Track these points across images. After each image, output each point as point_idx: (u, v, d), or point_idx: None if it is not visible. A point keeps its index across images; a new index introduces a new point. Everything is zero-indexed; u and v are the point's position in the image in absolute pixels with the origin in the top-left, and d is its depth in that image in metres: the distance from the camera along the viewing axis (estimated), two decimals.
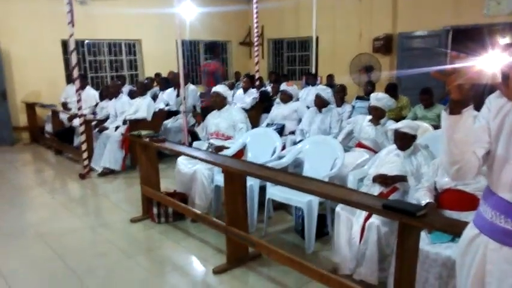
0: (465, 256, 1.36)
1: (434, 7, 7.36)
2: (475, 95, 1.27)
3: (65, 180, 5.48)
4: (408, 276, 2.00)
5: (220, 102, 4.32)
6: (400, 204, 2.03)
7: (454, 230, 1.84)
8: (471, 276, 1.31)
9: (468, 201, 2.42)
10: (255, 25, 7.16)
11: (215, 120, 4.32)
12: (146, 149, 3.92)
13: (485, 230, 1.29)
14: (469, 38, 7.10)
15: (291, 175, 2.75)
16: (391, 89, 5.66)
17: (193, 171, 3.95)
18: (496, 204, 1.25)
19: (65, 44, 8.05)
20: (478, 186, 2.42)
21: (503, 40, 6.63)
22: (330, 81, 7.85)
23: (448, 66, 1.16)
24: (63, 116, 6.87)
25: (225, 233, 3.04)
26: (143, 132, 3.96)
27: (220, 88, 4.43)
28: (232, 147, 4.06)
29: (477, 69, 1.11)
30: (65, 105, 7.08)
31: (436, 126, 4.37)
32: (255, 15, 7.20)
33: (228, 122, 4.23)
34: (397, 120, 3.88)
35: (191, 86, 6.60)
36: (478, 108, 1.38)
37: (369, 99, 5.67)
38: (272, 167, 3.10)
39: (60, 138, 6.70)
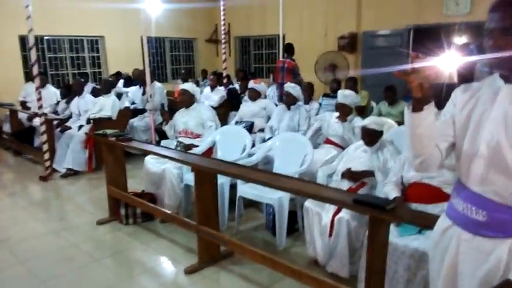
0: (438, 247, 1.40)
1: (397, 6, 7.56)
2: (434, 93, 1.34)
3: (26, 183, 5.25)
4: (379, 268, 2.04)
5: (188, 100, 4.26)
6: (370, 198, 2.07)
7: (422, 222, 1.90)
8: (444, 265, 1.35)
9: (433, 194, 2.51)
10: (222, 22, 7.11)
11: (183, 119, 4.25)
12: (112, 148, 3.81)
13: (457, 221, 1.33)
14: (429, 37, 7.35)
15: (263, 172, 2.75)
16: (351, 83, 5.80)
17: (162, 170, 3.88)
18: (467, 196, 1.30)
19: (22, 40, 7.71)
20: (443, 179, 2.51)
21: (460, 39, 6.89)
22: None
23: (409, 66, 1.22)
24: (23, 116, 6.57)
25: (196, 233, 3.01)
26: (108, 131, 3.84)
27: (188, 86, 4.37)
28: (202, 146, 4.01)
29: (435, 69, 1.18)
30: (23, 104, 6.77)
31: (400, 123, 4.50)
32: (222, 13, 7.15)
33: (197, 120, 4.17)
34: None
35: (157, 84, 6.48)
36: (438, 105, 1.44)
37: (335, 97, 5.79)
38: (243, 164, 3.09)
39: (19, 139, 6.40)
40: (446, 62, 1.16)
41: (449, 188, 2.48)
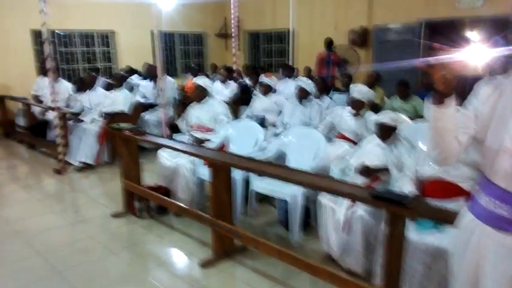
0: (460, 241, 1.41)
1: (409, 0, 7.49)
2: (457, 86, 1.34)
3: (41, 176, 5.32)
4: (396, 263, 2.05)
5: (201, 94, 4.28)
6: (387, 193, 2.07)
7: (441, 217, 1.91)
8: (467, 260, 1.36)
9: (449, 189, 2.50)
10: (232, 16, 7.09)
11: (196, 113, 4.28)
12: (127, 142, 3.84)
13: (480, 216, 1.34)
14: (442, 31, 7.28)
15: (279, 167, 2.76)
16: (372, 80, 5.78)
17: (175, 164, 3.91)
18: (491, 191, 1.30)
19: (34, 34, 7.77)
20: (458, 173, 2.51)
21: (474, 34, 6.82)
22: (308, 73, 7.89)
23: (433, 58, 1.21)
24: (35, 109, 6.63)
25: (211, 226, 3.04)
26: (123, 125, 3.88)
27: (200, 80, 4.38)
28: (216, 140, 4.03)
29: (460, 61, 1.17)
30: (35, 98, 6.85)
31: (413, 118, 4.48)
32: (232, 7, 7.13)
33: (210, 114, 4.19)
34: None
35: (169, 78, 6.50)
36: (461, 98, 1.44)
37: (346, 92, 5.78)
38: (257, 158, 3.10)
39: (32, 132, 6.47)
40: (472, 54, 1.15)
41: (466, 183, 2.50)
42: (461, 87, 1.51)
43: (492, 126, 1.29)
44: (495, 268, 1.28)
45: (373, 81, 5.70)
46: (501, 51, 1.20)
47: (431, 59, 1.21)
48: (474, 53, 1.16)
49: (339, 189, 2.19)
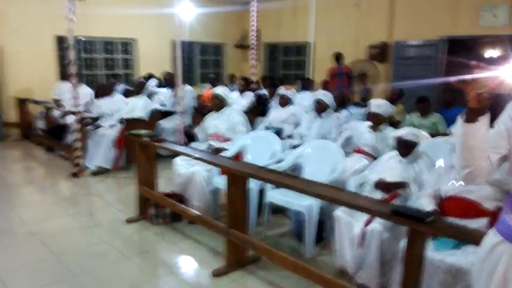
0: (486, 262, 1.36)
1: (431, 17, 7.46)
2: (492, 104, 1.30)
3: (57, 179, 5.39)
4: (414, 281, 2.00)
5: (220, 104, 4.30)
6: (409, 210, 2.03)
7: (463, 236, 1.86)
8: (494, 282, 1.31)
9: (471, 208, 2.45)
10: (252, 28, 7.15)
11: (214, 122, 4.30)
12: (145, 149, 3.87)
13: (509, 238, 1.29)
14: (464, 48, 7.22)
15: (297, 179, 2.74)
16: (397, 95, 5.74)
17: (191, 172, 3.91)
18: None
19: (58, 40, 7.96)
20: (482, 193, 2.45)
21: (496, 51, 6.75)
22: (325, 87, 7.88)
23: (468, 76, 1.19)
24: (56, 113, 6.76)
25: (225, 236, 3.02)
26: (142, 132, 3.91)
27: (219, 90, 4.41)
28: (231, 149, 4.04)
29: (498, 79, 1.14)
30: (57, 102, 6.98)
31: (433, 135, 4.41)
32: (252, 18, 7.19)
33: (228, 124, 4.21)
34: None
35: (188, 87, 6.56)
36: (492, 116, 1.41)
37: (364, 106, 5.74)
38: (275, 169, 3.09)
39: (51, 135, 6.59)
40: (508, 72, 1.13)
41: (489, 202, 2.44)
42: (493, 105, 1.48)
43: None
44: None
45: (395, 97, 5.67)
46: None
47: (467, 77, 1.18)
48: (510, 70, 1.13)
49: (358, 203, 2.16)
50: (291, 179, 2.67)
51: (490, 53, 8.06)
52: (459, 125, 1.32)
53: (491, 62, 1.20)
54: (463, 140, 1.32)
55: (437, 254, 2.30)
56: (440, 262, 2.26)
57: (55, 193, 4.85)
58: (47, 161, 6.32)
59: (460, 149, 1.34)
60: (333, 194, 2.30)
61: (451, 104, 5.32)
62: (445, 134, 4.55)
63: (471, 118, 1.28)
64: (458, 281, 2.19)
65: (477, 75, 1.17)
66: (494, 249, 1.35)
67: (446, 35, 7.28)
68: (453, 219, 2.47)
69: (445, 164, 2.76)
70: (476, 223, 2.35)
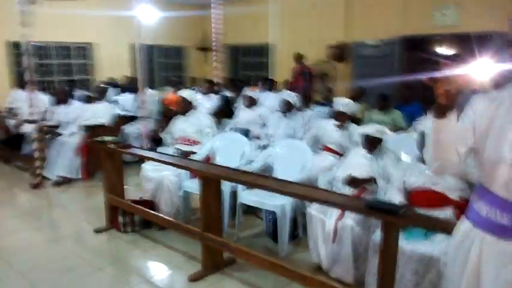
0: (459, 249, 1.44)
1: (385, 17, 7.74)
2: (461, 101, 1.39)
3: (16, 191, 5.14)
4: (390, 272, 2.08)
5: (185, 107, 4.27)
6: (382, 203, 2.11)
7: (433, 226, 1.95)
8: (467, 267, 1.39)
9: (438, 199, 2.58)
10: (214, 31, 7.14)
11: (181, 125, 4.25)
12: (111, 156, 3.77)
13: (480, 225, 1.38)
14: (418, 47, 7.55)
15: (271, 179, 2.77)
16: (360, 94, 5.84)
17: (160, 177, 3.86)
18: (491, 201, 1.34)
19: (10, 46, 7.57)
20: (446, 185, 2.59)
21: (449, 50, 7.10)
22: (287, 87, 7.99)
23: (438, 74, 1.26)
24: (11, 122, 6.43)
25: (200, 240, 3.00)
26: (107, 138, 3.81)
27: (185, 93, 4.38)
28: (201, 152, 4.02)
29: (466, 76, 1.22)
30: (10, 111, 6.63)
31: (392, 130, 4.59)
32: (214, 20, 7.17)
33: (196, 127, 4.18)
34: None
35: (150, 91, 6.45)
36: (458, 111, 1.50)
37: (326, 105, 5.88)
38: (248, 171, 3.10)
39: (7, 146, 6.25)
40: (479, 69, 1.20)
41: (453, 193, 2.57)
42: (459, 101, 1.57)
43: (490, 137, 1.34)
44: (497, 274, 1.32)
45: (358, 96, 5.80)
46: (506, 65, 1.25)
47: (437, 75, 1.25)
48: (478, 67, 1.21)
49: (335, 200, 2.22)
50: (265, 179, 2.69)
51: (443, 50, 8.47)
52: (430, 120, 1.40)
53: (458, 60, 1.27)
54: (434, 134, 1.39)
55: (408, 244, 2.41)
56: (412, 252, 2.36)
57: (15, 206, 4.62)
58: (4, 173, 5.99)
59: (432, 143, 1.42)
60: (309, 193, 2.35)
61: (409, 101, 5.56)
62: (404, 129, 4.76)
63: (440, 114, 1.35)
64: (429, 269, 2.30)
65: (446, 72, 1.24)
66: (467, 236, 1.43)
67: (400, 34, 7.57)
68: (421, 209, 2.59)
69: (410, 158, 2.89)
70: (443, 213, 2.48)
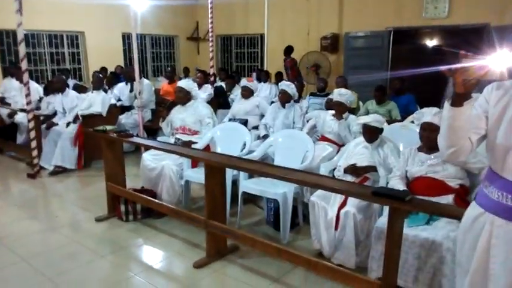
0: (469, 233, 1.51)
1: (377, 9, 7.82)
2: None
3: (13, 181, 5.10)
4: (395, 256, 2.16)
5: (184, 97, 4.28)
6: (388, 190, 2.18)
7: (441, 212, 2.03)
8: (477, 251, 1.45)
9: (437, 187, 2.66)
10: (210, 21, 7.12)
11: (181, 115, 4.26)
12: (112, 145, 3.78)
13: (490, 209, 1.45)
14: (408, 38, 7.67)
15: (276, 167, 2.81)
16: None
17: (161, 166, 3.88)
18: (503, 185, 1.41)
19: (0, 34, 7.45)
20: (445, 173, 2.67)
21: (439, 41, 7.22)
22: (279, 79, 8.03)
23: (457, 65, 1.31)
24: (4, 112, 6.34)
25: (205, 228, 3.04)
26: (109, 127, 3.81)
27: (184, 83, 4.38)
28: (201, 141, 4.04)
29: (485, 67, 1.27)
30: (2, 100, 6.55)
31: (389, 122, 4.68)
32: (209, 11, 7.14)
33: (195, 117, 4.20)
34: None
35: (145, 81, 6.43)
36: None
37: (321, 96, 5.95)
38: (253, 159, 3.15)
39: (1, 136, 6.18)
40: (497, 60, 1.25)
41: (452, 181, 2.66)
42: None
43: (503, 127, 1.41)
44: (506, 257, 1.39)
45: (342, 86, 5.83)
46: None
47: (456, 66, 1.30)
48: (501, 59, 1.25)
49: (341, 187, 2.28)
50: (271, 167, 2.74)
51: (432, 42, 8.60)
52: (446, 108, 1.45)
53: (478, 51, 1.32)
54: (449, 122, 1.45)
55: (411, 230, 2.49)
56: (414, 237, 2.44)
57: (13, 196, 4.60)
58: None
59: (447, 130, 1.47)
60: (317, 180, 2.41)
61: (400, 92, 5.65)
62: (399, 121, 4.85)
63: (457, 102, 1.41)
64: (431, 254, 2.38)
65: (465, 64, 1.29)
66: (477, 220, 1.50)
67: (392, 26, 7.67)
68: (422, 197, 2.68)
69: (409, 148, 2.96)
70: (444, 200, 2.57)
